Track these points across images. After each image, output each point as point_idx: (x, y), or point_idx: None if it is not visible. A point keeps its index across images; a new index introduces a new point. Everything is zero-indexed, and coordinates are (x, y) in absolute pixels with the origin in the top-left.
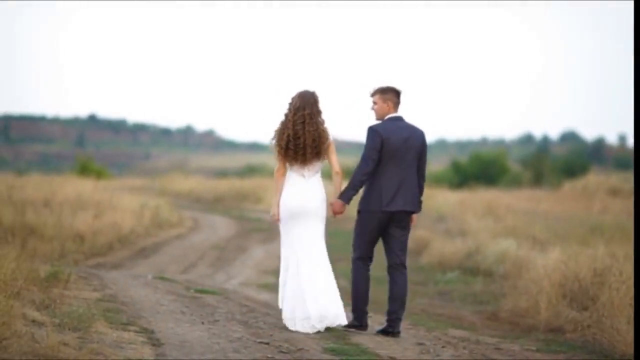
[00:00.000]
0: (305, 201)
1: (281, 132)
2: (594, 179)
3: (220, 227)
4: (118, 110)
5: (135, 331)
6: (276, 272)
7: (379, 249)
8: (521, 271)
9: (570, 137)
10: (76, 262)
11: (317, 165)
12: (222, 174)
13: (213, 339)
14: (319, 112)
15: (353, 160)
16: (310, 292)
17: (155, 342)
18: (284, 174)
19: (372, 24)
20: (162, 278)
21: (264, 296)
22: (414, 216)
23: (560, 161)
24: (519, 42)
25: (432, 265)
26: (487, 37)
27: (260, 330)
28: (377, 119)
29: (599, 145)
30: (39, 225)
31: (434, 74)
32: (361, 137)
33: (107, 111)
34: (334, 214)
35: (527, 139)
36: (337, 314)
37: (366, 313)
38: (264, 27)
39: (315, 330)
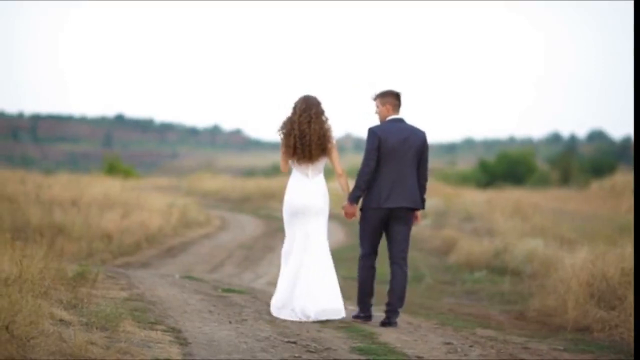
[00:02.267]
0: (308, 199)
1: (288, 134)
2: (622, 178)
3: (247, 226)
4: (145, 109)
5: (163, 330)
6: None
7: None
8: (549, 270)
9: (597, 136)
10: (104, 261)
11: (321, 165)
12: (250, 173)
13: (240, 338)
14: (323, 113)
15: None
16: (304, 286)
17: (182, 342)
18: (287, 169)
19: (398, 24)
20: (189, 277)
21: None
22: (418, 213)
23: (587, 160)
24: (548, 41)
25: (460, 264)
26: (516, 36)
27: (288, 330)
28: (380, 121)
29: (627, 144)
30: (66, 225)
31: (462, 73)
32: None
33: (135, 111)
34: (347, 217)
35: (555, 138)
36: (336, 309)
37: (370, 305)
38: (292, 26)
39: (300, 320)
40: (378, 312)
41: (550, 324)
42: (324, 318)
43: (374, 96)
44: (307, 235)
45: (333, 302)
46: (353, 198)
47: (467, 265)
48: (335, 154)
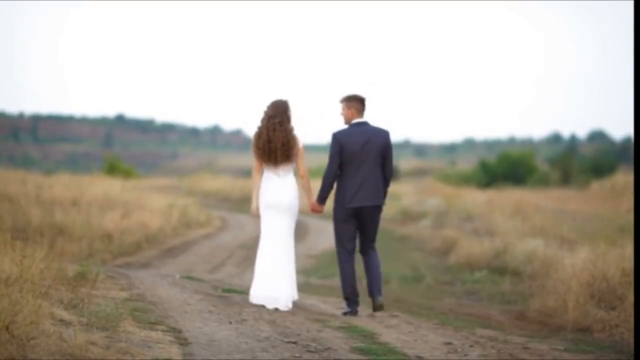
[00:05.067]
0: (279, 197)
1: (258, 136)
2: (622, 178)
3: (247, 226)
4: (146, 110)
5: (163, 330)
6: (304, 272)
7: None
8: (549, 271)
9: (598, 137)
10: (104, 261)
11: (290, 166)
12: (250, 173)
13: (241, 338)
14: (288, 120)
15: None
16: (274, 275)
17: (182, 342)
18: (260, 173)
19: (398, 24)
20: (189, 277)
21: None
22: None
23: (588, 160)
24: (548, 41)
25: (460, 264)
26: (516, 36)
27: (288, 330)
28: (345, 124)
29: (627, 144)
30: (67, 225)
31: (462, 73)
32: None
33: (135, 111)
34: (312, 212)
35: (555, 138)
36: (288, 298)
37: (355, 301)
38: (292, 26)
39: (272, 307)
40: (379, 312)
41: (551, 324)
42: (289, 307)
43: (340, 99)
44: (279, 229)
45: (287, 292)
46: (320, 198)
47: (467, 265)
48: (300, 157)
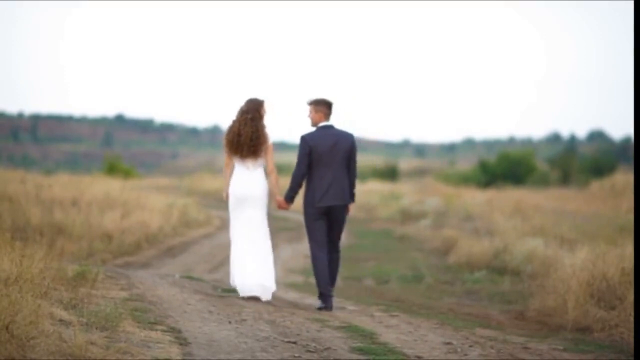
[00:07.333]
0: (248, 189)
1: (230, 129)
2: (622, 178)
3: None
4: (145, 109)
5: (163, 330)
6: (304, 272)
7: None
8: (549, 270)
9: (598, 136)
10: (104, 261)
11: (258, 161)
12: None
13: (240, 338)
14: (260, 117)
15: (379, 157)
16: (249, 266)
17: (182, 342)
18: (230, 165)
19: (398, 24)
20: (189, 277)
21: (291, 295)
22: (350, 206)
23: (588, 160)
24: (548, 41)
25: (460, 264)
26: (516, 36)
27: (288, 330)
28: (312, 126)
29: (627, 144)
30: (67, 225)
31: (462, 73)
32: (385, 136)
33: (135, 111)
34: (279, 208)
35: (555, 138)
36: (266, 288)
37: (329, 295)
38: (292, 27)
39: (249, 295)
40: (378, 312)
41: (550, 323)
42: (256, 294)
43: (308, 102)
44: (248, 221)
45: (267, 281)
46: (288, 197)
47: (467, 265)
48: (269, 154)
